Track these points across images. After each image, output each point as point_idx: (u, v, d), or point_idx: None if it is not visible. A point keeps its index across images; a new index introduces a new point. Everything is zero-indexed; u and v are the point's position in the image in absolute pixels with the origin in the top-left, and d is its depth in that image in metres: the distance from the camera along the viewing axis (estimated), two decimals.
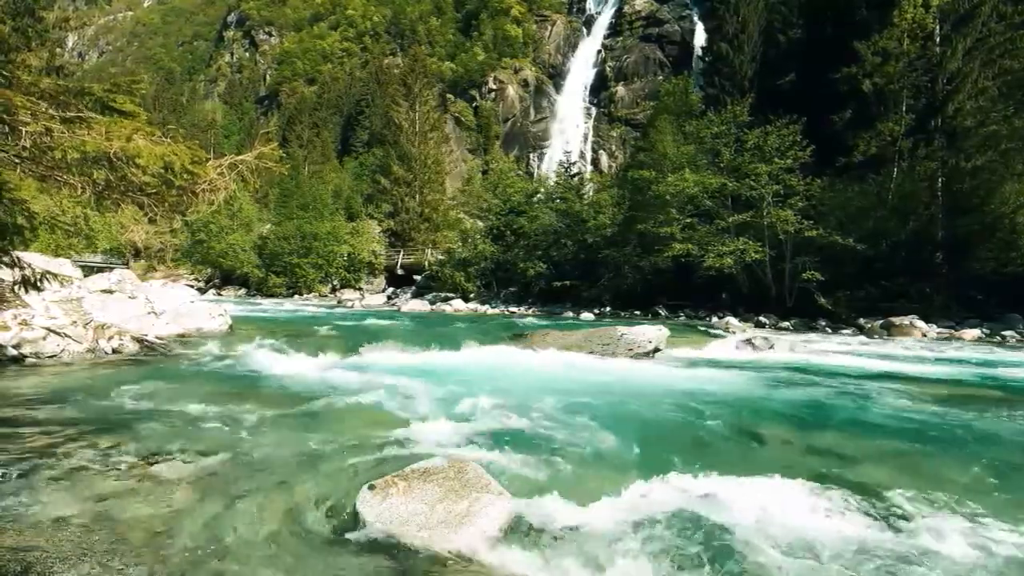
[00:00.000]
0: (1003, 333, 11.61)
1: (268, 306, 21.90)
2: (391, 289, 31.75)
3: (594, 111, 57.30)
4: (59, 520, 2.41)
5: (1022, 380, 6.75)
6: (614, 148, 53.28)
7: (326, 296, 30.73)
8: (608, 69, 56.88)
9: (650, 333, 8.39)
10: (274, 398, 5.09)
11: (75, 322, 7.38)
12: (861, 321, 13.41)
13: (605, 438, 3.97)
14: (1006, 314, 12.99)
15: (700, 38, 47.90)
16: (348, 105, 61.43)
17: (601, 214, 21.89)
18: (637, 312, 18.24)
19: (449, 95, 59.88)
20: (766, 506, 2.69)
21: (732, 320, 14.53)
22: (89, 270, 17.30)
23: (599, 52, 59.66)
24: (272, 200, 39.92)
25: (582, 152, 52.96)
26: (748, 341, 9.64)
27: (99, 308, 8.27)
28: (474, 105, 60.39)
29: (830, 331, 13.27)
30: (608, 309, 19.32)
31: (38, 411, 4.31)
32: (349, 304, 24.72)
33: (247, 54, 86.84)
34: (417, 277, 30.68)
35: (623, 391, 5.70)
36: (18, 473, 2.90)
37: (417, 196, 37.76)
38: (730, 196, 16.59)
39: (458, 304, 22.42)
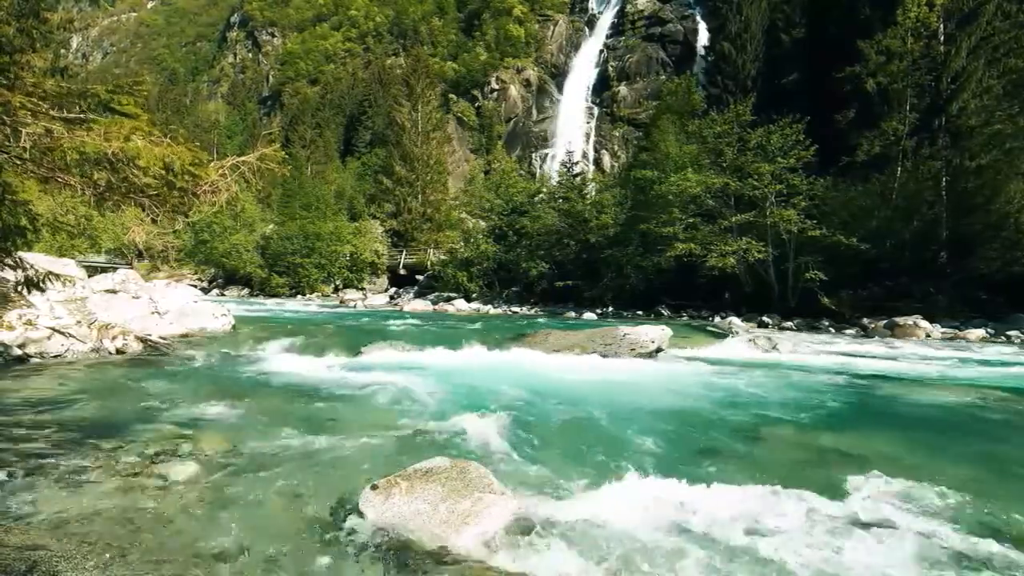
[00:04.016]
0: (1008, 333, 11.53)
1: (271, 306, 21.96)
2: (394, 289, 31.79)
3: (596, 111, 57.16)
4: (64, 519, 2.42)
5: None
6: (616, 148, 53.15)
7: (329, 296, 30.77)
8: (610, 69, 56.71)
9: (653, 333, 8.37)
10: (276, 398, 5.11)
11: (79, 322, 7.41)
12: (865, 321, 13.35)
13: (608, 438, 3.96)
14: (1011, 314, 12.90)
15: (703, 37, 47.67)
16: (351, 105, 61.45)
17: (603, 214, 21.86)
18: (640, 312, 18.22)
19: (451, 95, 59.85)
20: (768, 506, 2.69)
21: (735, 320, 14.48)
22: (93, 270, 17.36)
23: (601, 52, 59.51)
24: (275, 200, 40.01)
25: (584, 152, 52.82)
26: (751, 341, 9.62)
27: (103, 308, 8.30)
28: (476, 105, 60.35)
29: (833, 331, 13.23)
30: (610, 309, 19.30)
31: (43, 411, 4.32)
32: (352, 304, 24.75)
33: (250, 55, 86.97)
34: (420, 277, 30.70)
35: (625, 391, 5.70)
36: (23, 472, 2.92)
37: (419, 196, 37.79)
38: (733, 196, 16.54)
39: (460, 304, 22.43)
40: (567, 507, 2.64)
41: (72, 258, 17.88)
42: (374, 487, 2.59)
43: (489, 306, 22.26)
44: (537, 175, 45.69)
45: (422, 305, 22.35)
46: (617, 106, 55.12)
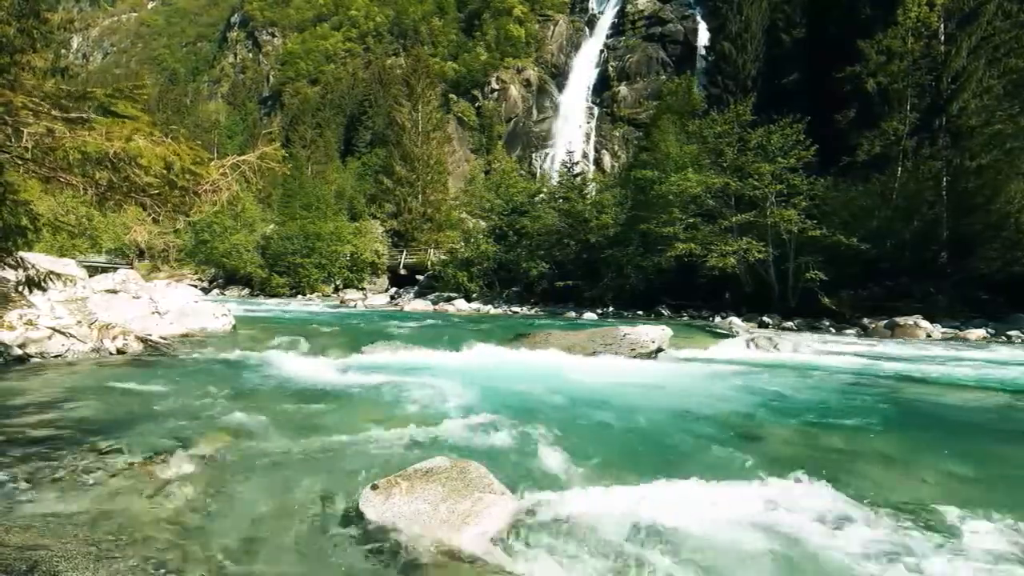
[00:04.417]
0: (1008, 333, 11.53)
1: (271, 306, 21.96)
2: (394, 289, 31.79)
3: (597, 111, 57.15)
4: (64, 519, 2.42)
5: None
6: (617, 148, 53.14)
7: (329, 296, 30.78)
8: (611, 69, 56.69)
9: (653, 333, 8.37)
10: (276, 398, 5.10)
11: (80, 322, 7.42)
12: (865, 321, 13.35)
13: (607, 438, 3.96)
14: (1012, 314, 12.89)
15: (703, 37, 47.59)
16: (351, 105, 61.46)
17: (604, 214, 21.86)
18: (640, 312, 18.21)
19: (452, 95, 59.85)
20: (769, 508, 2.69)
21: (735, 320, 14.48)
22: (94, 270, 17.37)
23: (602, 52, 59.49)
24: (275, 200, 40.02)
25: (585, 152, 52.82)
26: (751, 341, 9.62)
27: (104, 308, 8.30)
28: (477, 105, 60.34)
29: (834, 331, 13.22)
30: (611, 309, 19.30)
31: (43, 411, 4.33)
32: (352, 304, 24.76)
33: (250, 55, 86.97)
34: (420, 277, 30.70)
35: (626, 392, 5.69)
36: (23, 472, 2.92)
37: (420, 196, 37.80)
38: (733, 196, 16.54)
39: (461, 304, 22.43)
40: (567, 507, 2.63)
41: (73, 258, 17.90)
42: (374, 487, 2.59)
43: (489, 306, 22.26)
44: (537, 175, 45.69)
45: (422, 305, 22.35)
46: (617, 106, 55.10)
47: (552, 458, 3.41)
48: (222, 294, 31.44)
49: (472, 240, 27.25)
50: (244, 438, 3.69)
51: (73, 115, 3.10)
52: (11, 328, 6.59)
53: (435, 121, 40.44)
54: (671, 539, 2.38)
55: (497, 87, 60.21)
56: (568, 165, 27.43)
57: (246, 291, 32.83)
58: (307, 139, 55.10)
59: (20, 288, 4.48)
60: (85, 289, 8.64)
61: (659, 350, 8.31)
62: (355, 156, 55.25)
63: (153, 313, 9.04)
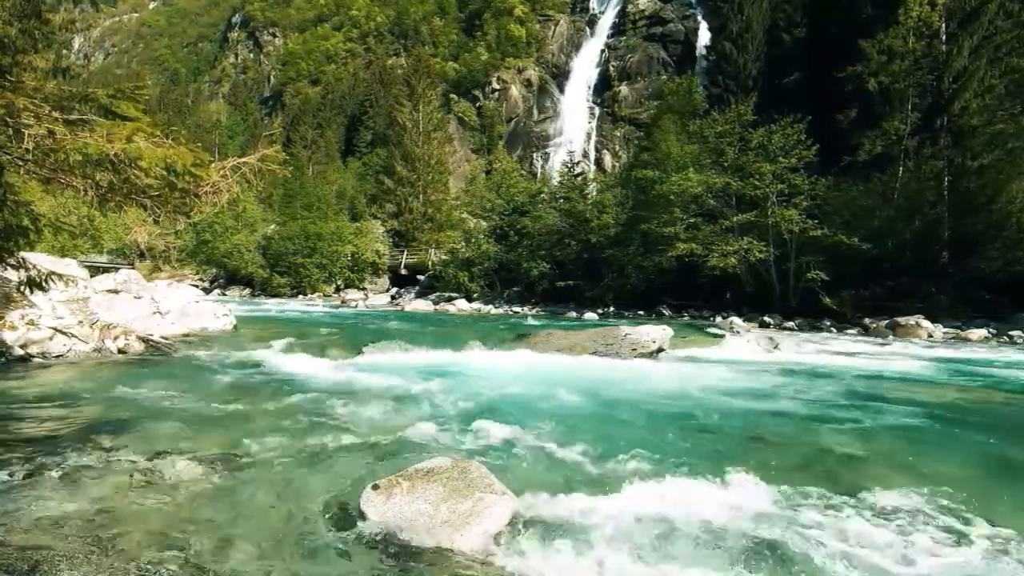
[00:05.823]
0: (1010, 333, 11.51)
1: (272, 306, 21.97)
2: (395, 289, 31.81)
3: (597, 111, 57.09)
4: (65, 519, 2.43)
5: None
6: (617, 148, 53.08)
7: (330, 296, 30.79)
8: (612, 68, 56.65)
9: (654, 333, 8.37)
10: (278, 398, 5.11)
11: (81, 322, 7.43)
12: (866, 321, 13.34)
13: (608, 438, 3.96)
14: (1013, 314, 12.88)
15: (704, 37, 47.57)
16: (352, 106, 61.48)
17: (605, 214, 21.86)
18: (641, 312, 18.21)
19: (452, 95, 59.84)
20: (771, 506, 2.69)
21: (736, 320, 14.47)
22: (95, 270, 17.40)
23: (602, 52, 59.46)
24: (276, 200, 40.04)
25: (585, 152, 52.77)
26: (753, 341, 9.61)
27: (105, 308, 8.32)
28: (477, 105, 60.32)
29: (835, 331, 13.20)
30: (612, 309, 19.29)
31: (44, 411, 4.34)
32: (353, 304, 24.77)
33: (251, 55, 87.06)
34: (421, 277, 30.71)
35: (626, 391, 5.69)
36: (25, 472, 2.92)
37: (420, 196, 37.81)
38: (734, 195, 16.54)
39: (462, 304, 22.43)
40: (568, 507, 2.64)
41: (74, 258, 17.91)
42: (375, 487, 2.59)
43: (490, 306, 22.26)
44: (538, 175, 45.68)
45: (423, 305, 22.36)
46: (618, 106, 55.06)
47: (553, 458, 3.42)
48: (223, 294, 31.47)
49: (473, 240, 27.24)
50: (245, 438, 3.69)
51: (74, 116, 3.11)
52: (13, 328, 6.60)
53: (436, 121, 40.45)
54: (672, 538, 2.38)
55: (498, 87, 60.19)
56: (569, 165, 27.41)
57: (247, 291, 32.86)
58: (308, 139, 55.15)
59: (22, 288, 4.49)
60: (87, 289, 8.65)
61: (660, 350, 8.31)
62: (356, 156, 55.25)
63: (154, 313, 9.05)
